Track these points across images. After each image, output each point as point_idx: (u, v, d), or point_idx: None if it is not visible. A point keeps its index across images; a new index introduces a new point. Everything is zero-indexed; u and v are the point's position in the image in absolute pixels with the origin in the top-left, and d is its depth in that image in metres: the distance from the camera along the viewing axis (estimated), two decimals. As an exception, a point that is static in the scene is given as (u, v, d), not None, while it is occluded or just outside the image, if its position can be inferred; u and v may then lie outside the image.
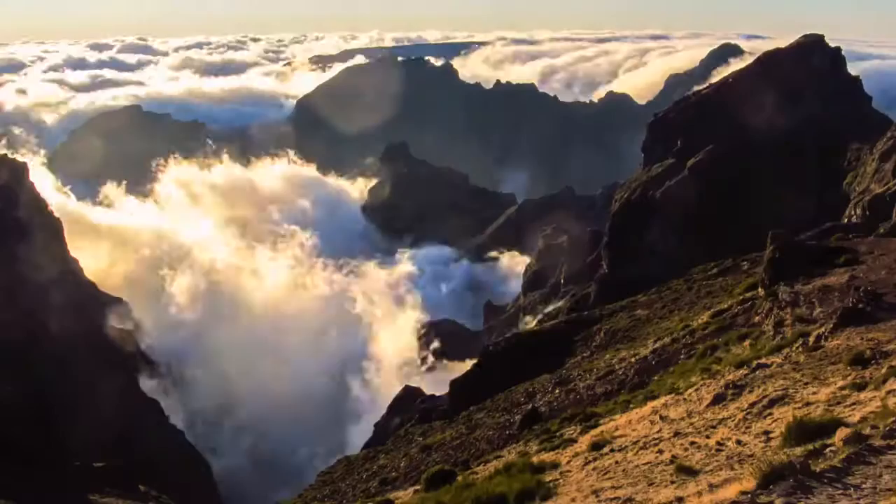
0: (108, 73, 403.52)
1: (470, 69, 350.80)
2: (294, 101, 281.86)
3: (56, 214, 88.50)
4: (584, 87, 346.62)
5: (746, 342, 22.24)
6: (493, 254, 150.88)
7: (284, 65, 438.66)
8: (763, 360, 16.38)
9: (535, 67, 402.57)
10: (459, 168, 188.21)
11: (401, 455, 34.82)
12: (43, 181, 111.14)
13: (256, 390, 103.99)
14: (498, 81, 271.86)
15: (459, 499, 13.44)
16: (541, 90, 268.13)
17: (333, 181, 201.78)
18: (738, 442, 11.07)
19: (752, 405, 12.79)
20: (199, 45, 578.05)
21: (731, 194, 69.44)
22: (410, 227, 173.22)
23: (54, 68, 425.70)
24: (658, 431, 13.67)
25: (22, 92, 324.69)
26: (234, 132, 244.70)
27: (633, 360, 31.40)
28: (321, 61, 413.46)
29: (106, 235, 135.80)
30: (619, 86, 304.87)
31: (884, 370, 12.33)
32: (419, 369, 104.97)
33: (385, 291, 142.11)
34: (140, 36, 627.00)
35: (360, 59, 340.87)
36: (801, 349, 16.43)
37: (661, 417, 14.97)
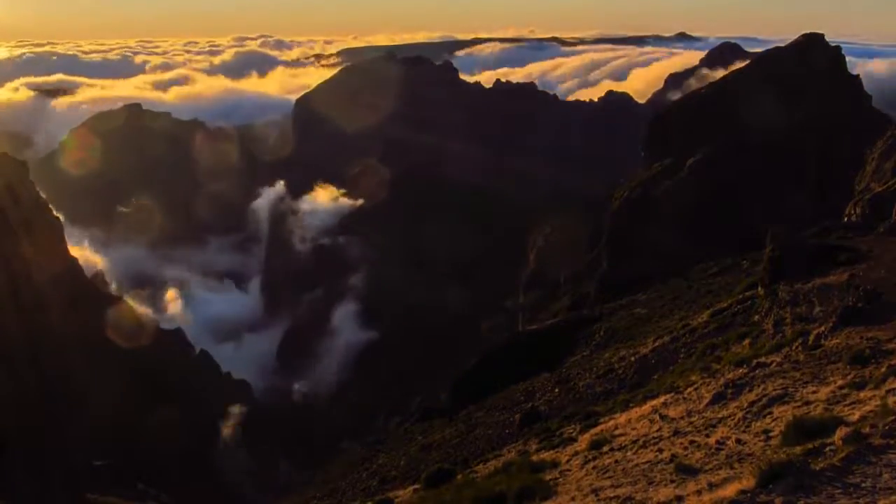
0: (107, 73, 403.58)
1: (470, 68, 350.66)
2: (293, 100, 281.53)
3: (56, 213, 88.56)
4: (584, 86, 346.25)
5: (746, 341, 22.23)
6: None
7: (284, 63, 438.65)
8: (763, 359, 16.35)
9: (535, 66, 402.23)
10: (459, 167, 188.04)
11: (401, 454, 34.82)
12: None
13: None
14: (498, 80, 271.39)
15: (459, 497, 13.43)
16: (541, 89, 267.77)
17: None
18: (738, 441, 11.06)
19: (752, 404, 12.78)
20: (200, 46, 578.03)
21: (730, 193, 69.46)
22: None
23: (52, 67, 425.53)
24: (658, 430, 13.66)
25: (18, 91, 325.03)
26: (234, 131, 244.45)
27: (632, 358, 31.42)
28: (321, 60, 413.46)
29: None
30: (619, 85, 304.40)
31: (883, 369, 12.32)
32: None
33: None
34: (142, 38, 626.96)
35: (359, 58, 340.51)
36: (800, 348, 16.41)
37: (661, 416, 14.95)
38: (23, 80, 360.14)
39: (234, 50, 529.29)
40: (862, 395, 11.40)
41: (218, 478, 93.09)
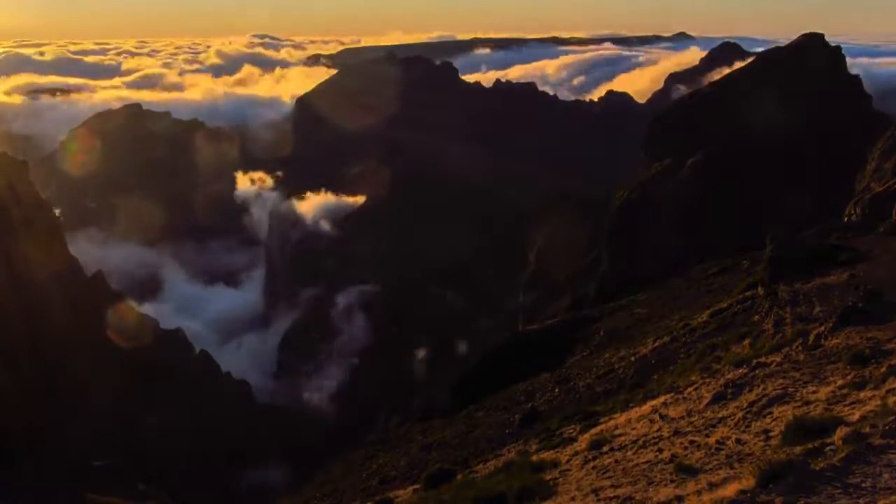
0: (107, 74, 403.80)
1: (470, 68, 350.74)
2: (293, 100, 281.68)
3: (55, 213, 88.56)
4: (584, 86, 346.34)
5: (746, 341, 22.22)
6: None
7: (283, 64, 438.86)
8: (763, 359, 16.34)
9: (535, 66, 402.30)
10: (458, 167, 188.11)
11: (401, 454, 34.76)
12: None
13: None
14: (498, 80, 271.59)
15: (459, 497, 13.44)
16: (540, 89, 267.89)
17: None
18: (738, 441, 11.05)
19: (752, 404, 12.78)
20: (200, 46, 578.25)
21: (730, 193, 69.48)
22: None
23: (52, 67, 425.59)
24: (658, 430, 13.65)
25: (18, 91, 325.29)
26: (234, 131, 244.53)
27: (632, 358, 31.44)
28: (320, 60, 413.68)
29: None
30: (619, 85, 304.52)
31: (883, 369, 12.32)
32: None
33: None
34: (142, 38, 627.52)
35: (359, 58, 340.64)
36: (800, 348, 16.41)
37: (661, 416, 14.94)
38: (23, 79, 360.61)
39: (234, 50, 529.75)
40: (862, 395, 11.40)
41: (218, 478, 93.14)
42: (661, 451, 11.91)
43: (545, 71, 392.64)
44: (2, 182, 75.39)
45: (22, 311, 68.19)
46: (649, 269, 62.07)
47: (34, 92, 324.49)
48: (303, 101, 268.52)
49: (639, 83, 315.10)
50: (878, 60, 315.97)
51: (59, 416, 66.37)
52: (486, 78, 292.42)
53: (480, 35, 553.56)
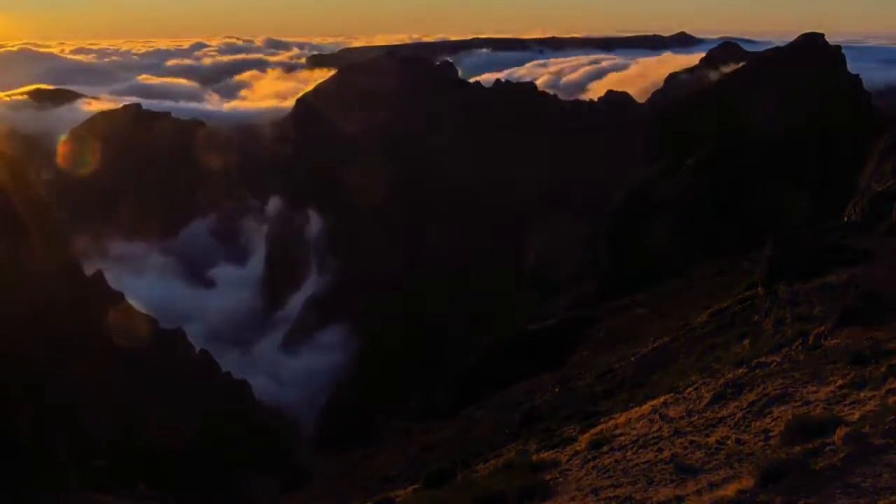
0: (108, 74, 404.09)
1: (470, 68, 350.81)
2: (293, 100, 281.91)
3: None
4: (584, 85, 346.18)
5: (746, 341, 22.25)
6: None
7: (283, 64, 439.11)
8: (762, 359, 16.35)
9: (535, 66, 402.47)
10: (459, 167, 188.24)
11: (400, 454, 34.84)
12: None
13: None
14: (497, 80, 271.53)
15: (459, 497, 13.44)
16: (540, 89, 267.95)
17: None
18: (738, 440, 11.06)
19: (752, 404, 12.79)
20: (201, 45, 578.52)
21: (730, 193, 69.51)
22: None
23: (52, 68, 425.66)
24: (657, 430, 13.66)
25: (18, 91, 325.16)
26: (234, 131, 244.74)
27: (632, 358, 31.48)
28: (320, 60, 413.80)
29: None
30: (619, 85, 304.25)
31: (883, 369, 12.32)
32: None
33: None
34: (146, 38, 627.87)
35: (359, 58, 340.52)
36: (800, 348, 16.42)
37: (661, 416, 14.95)
38: (24, 79, 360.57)
39: (233, 51, 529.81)
40: (862, 395, 11.41)
41: (219, 478, 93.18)
42: (661, 450, 11.91)
43: (545, 71, 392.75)
44: (5, 180, 75.49)
45: (30, 310, 68.27)
46: (649, 269, 62.12)
47: (35, 91, 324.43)
48: (303, 101, 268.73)
49: (639, 83, 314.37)
50: (877, 61, 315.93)
51: (59, 416, 66.39)
52: (486, 78, 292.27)
53: (480, 35, 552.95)
